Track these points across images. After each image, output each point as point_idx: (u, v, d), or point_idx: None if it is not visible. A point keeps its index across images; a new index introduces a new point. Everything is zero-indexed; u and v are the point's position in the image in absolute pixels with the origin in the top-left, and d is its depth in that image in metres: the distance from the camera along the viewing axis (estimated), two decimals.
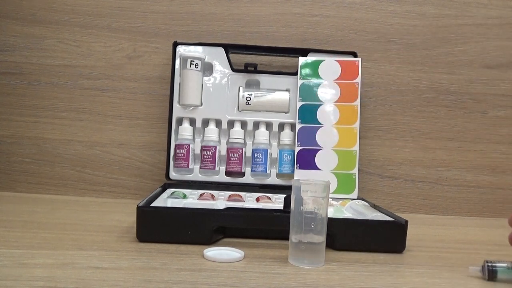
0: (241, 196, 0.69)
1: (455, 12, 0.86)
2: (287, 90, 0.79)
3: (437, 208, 0.85)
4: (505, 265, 0.44)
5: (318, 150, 0.74)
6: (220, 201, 0.66)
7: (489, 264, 0.45)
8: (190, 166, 0.77)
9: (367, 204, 0.67)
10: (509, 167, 0.86)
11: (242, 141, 0.78)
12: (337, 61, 0.77)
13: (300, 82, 0.76)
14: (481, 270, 0.45)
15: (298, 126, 0.75)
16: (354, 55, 0.80)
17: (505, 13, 0.86)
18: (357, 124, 0.75)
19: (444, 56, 0.86)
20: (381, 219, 0.57)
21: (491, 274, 0.44)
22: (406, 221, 0.53)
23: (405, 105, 0.85)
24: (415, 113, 0.85)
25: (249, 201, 0.68)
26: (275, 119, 0.79)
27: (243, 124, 0.79)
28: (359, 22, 0.85)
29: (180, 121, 0.78)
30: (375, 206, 0.66)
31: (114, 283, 0.39)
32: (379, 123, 0.85)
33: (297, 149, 0.74)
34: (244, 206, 0.62)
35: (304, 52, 0.79)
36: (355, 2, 0.85)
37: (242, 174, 0.78)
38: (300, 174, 0.74)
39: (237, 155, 0.77)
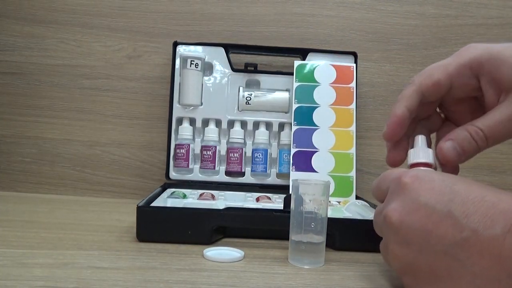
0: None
1: (455, 12, 0.86)
2: (287, 90, 0.79)
3: None
4: None
5: (315, 152, 0.74)
6: (220, 201, 0.66)
7: None
8: (190, 166, 0.77)
9: (367, 204, 0.67)
10: (509, 167, 0.86)
11: (242, 141, 0.78)
12: (333, 65, 0.77)
13: (296, 84, 0.76)
14: None
15: (293, 128, 0.74)
16: (354, 55, 0.80)
17: (505, 13, 0.86)
18: (353, 127, 0.75)
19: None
20: None
21: None
22: None
23: None
24: None
25: (250, 201, 0.68)
26: (275, 119, 0.79)
27: (243, 124, 0.79)
28: (359, 22, 0.85)
29: (180, 121, 0.78)
30: (375, 206, 0.66)
31: (114, 283, 0.39)
32: (379, 123, 0.85)
33: (293, 151, 0.74)
34: (244, 206, 0.62)
35: (304, 52, 0.79)
36: (355, 2, 0.85)
37: (242, 174, 0.78)
38: (296, 177, 0.74)
39: (237, 155, 0.77)
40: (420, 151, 0.45)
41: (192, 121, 0.78)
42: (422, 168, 0.43)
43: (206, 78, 0.79)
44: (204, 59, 0.78)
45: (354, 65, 0.78)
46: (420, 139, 0.45)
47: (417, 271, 0.34)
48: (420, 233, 0.33)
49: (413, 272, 0.35)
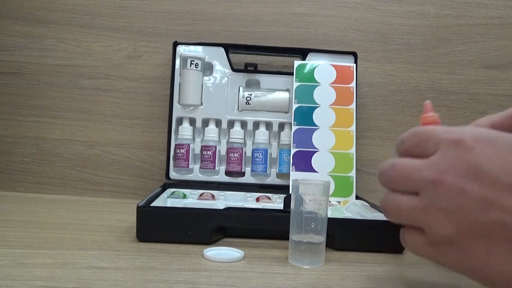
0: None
1: (455, 12, 0.86)
2: (287, 90, 0.79)
3: None
4: None
5: (315, 152, 0.74)
6: (220, 201, 0.66)
7: None
8: (190, 166, 0.77)
9: (367, 204, 0.67)
10: None
11: (242, 141, 0.78)
12: (333, 65, 0.77)
13: (296, 84, 0.76)
14: None
15: (293, 128, 0.74)
16: (354, 55, 0.80)
17: (505, 13, 0.86)
18: (353, 127, 0.75)
19: (444, 56, 0.86)
20: (381, 219, 0.57)
21: None
22: None
23: (405, 105, 0.85)
24: (415, 113, 0.85)
25: (250, 201, 0.68)
26: (275, 119, 0.79)
27: (243, 124, 0.79)
28: (359, 22, 0.85)
29: (180, 121, 0.78)
30: (375, 206, 0.66)
31: (114, 283, 0.39)
32: (379, 123, 0.85)
33: (293, 151, 0.74)
34: (244, 206, 0.62)
35: (304, 52, 0.79)
36: (355, 2, 0.85)
37: (242, 174, 0.78)
38: (296, 177, 0.74)
39: (237, 155, 0.77)
40: None
41: (192, 121, 0.78)
42: (483, 129, 0.38)
43: (206, 78, 0.79)
44: (204, 59, 0.78)
45: (354, 65, 0.78)
46: None
47: (465, 245, 0.33)
48: (479, 202, 0.31)
49: (458, 246, 0.33)
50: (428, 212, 0.34)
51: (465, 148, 0.33)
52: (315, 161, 0.73)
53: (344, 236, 0.53)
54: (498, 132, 0.34)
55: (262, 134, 0.78)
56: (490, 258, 0.32)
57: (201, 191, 0.71)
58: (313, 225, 0.46)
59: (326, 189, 0.46)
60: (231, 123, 0.79)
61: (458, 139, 0.34)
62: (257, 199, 0.68)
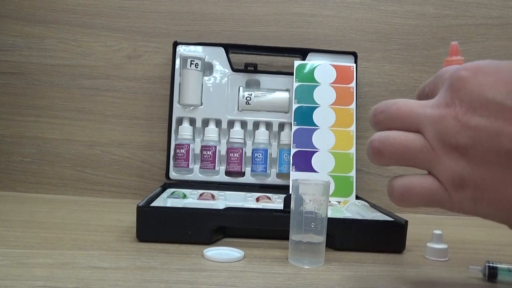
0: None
1: (455, 12, 0.86)
2: (287, 90, 0.79)
3: (437, 208, 0.85)
4: (506, 266, 0.44)
5: (315, 152, 0.74)
6: (220, 201, 0.66)
7: (490, 264, 0.44)
8: (190, 166, 0.77)
9: (367, 204, 0.67)
10: None
11: (242, 141, 0.78)
12: (333, 65, 0.77)
13: (296, 84, 0.76)
14: (482, 270, 0.45)
15: (293, 128, 0.74)
16: (354, 55, 0.80)
17: (505, 13, 0.86)
18: (353, 127, 0.75)
19: (444, 56, 0.85)
20: (381, 219, 0.57)
21: (491, 275, 0.44)
22: (406, 221, 0.53)
23: None
24: None
25: (250, 201, 0.68)
26: (275, 119, 0.79)
27: (243, 124, 0.79)
28: (359, 22, 0.85)
29: (180, 121, 0.78)
30: (375, 206, 0.66)
31: (114, 283, 0.39)
32: None
33: (293, 150, 0.74)
34: (244, 206, 0.62)
35: (304, 52, 0.79)
36: (355, 2, 0.85)
37: (242, 174, 0.78)
38: (296, 177, 0.74)
39: (237, 155, 0.77)
40: None
41: (192, 121, 0.78)
42: (487, 60, 0.35)
43: (206, 78, 0.79)
44: (204, 59, 0.78)
45: (354, 65, 0.78)
46: None
47: (480, 180, 0.30)
48: (489, 132, 0.29)
49: (473, 183, 0.30)
50: (437, 150, 0.32)
51: (464, 79, 0.31)
52: (315, 161, 0.73)
53: (344, 236, 0.53)
54: (501, 61, 0.32)
55: (262, 134, 0.78)
56: (508, 187, 0.29)
57: (201, 191, 0.71)
58: (313, 225, 0.46)
59: (326, 189, 0.46)
60: (231, 123, 0.79)
61: (458, 71, 0.32)
62: (257, 199, 0.68)
